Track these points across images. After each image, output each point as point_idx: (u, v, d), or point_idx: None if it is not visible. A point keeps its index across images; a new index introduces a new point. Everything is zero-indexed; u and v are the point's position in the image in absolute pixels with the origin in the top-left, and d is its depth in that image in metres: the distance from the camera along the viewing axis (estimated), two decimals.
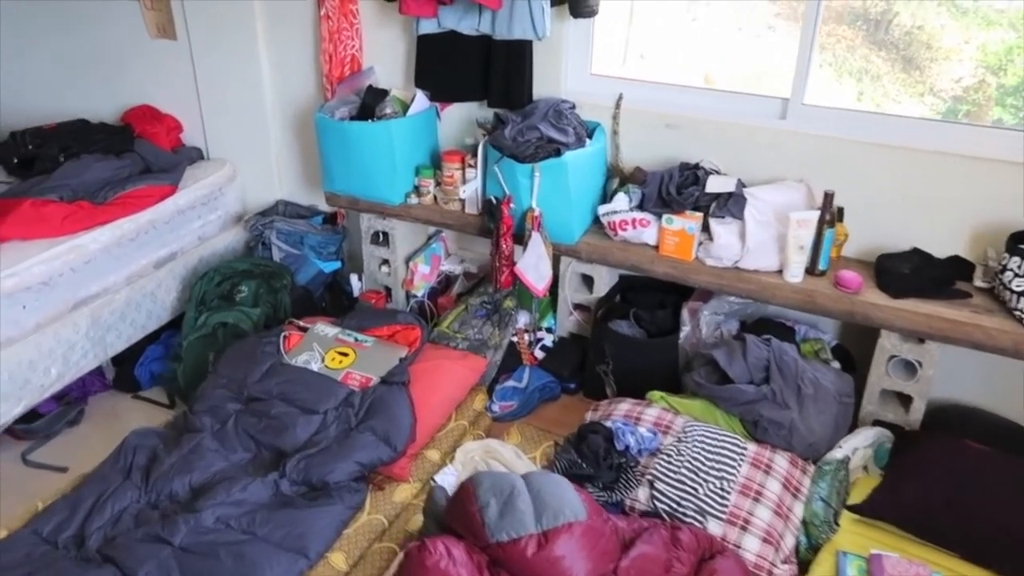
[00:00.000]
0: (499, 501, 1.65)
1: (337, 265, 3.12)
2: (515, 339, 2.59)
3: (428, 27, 2.55)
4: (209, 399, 2.25)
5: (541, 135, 2.36)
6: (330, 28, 2.77)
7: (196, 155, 3.28)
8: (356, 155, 2.64)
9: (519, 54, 2.53)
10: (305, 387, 2.22)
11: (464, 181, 2.62)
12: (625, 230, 2.40)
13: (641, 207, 2.39)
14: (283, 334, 2.43)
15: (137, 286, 2.83)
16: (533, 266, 2.41)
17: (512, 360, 2.57)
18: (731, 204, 2.30)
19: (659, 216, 2.37)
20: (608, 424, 2.10)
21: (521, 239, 2.45)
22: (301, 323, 2.53)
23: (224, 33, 3.01)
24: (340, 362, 2.33)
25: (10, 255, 2.45)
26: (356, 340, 2.40)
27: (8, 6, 3.36)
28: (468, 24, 2.53)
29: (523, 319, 2.63)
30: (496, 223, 2.43)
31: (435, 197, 2.71)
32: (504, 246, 2.45)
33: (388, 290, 3.00)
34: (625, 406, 2.21)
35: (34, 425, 2.66)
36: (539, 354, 2.65)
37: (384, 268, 2.97)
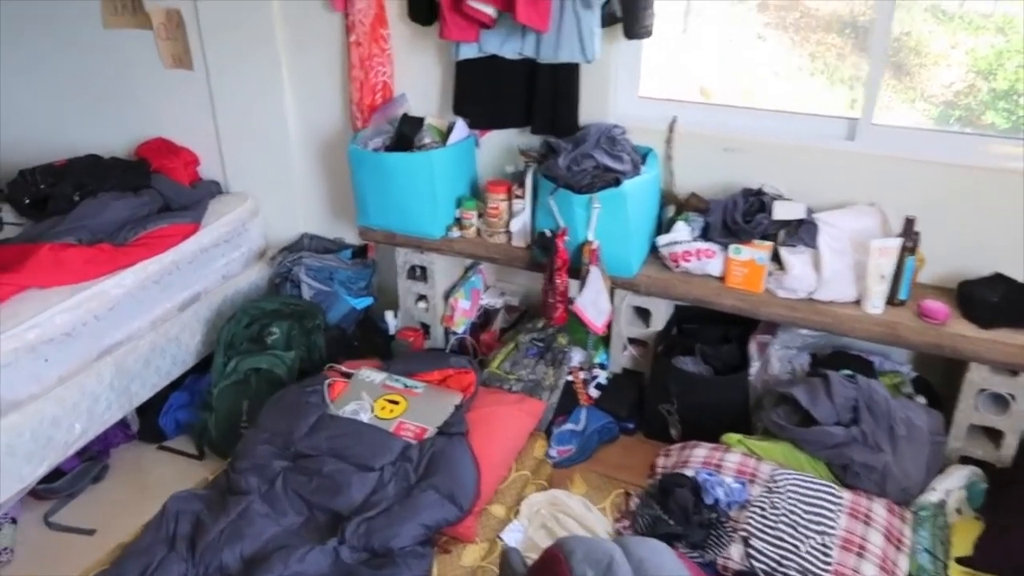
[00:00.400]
0: (597, 573, 1.50)
1: (369, 301, 2.97)
2: (570, 378, 2.44)
3: (468, 52, 2.42)
4: (252, 456, 2.10)
5: (597, 163, 2.23)
6: (360, 55, 2.63)
7: (215, 189, 3.13)
8: (394, 187, 2.50)
9: (567, 78, 2.40)
10: (357, 440, 2.06)
11: (511, 213, 2.48)
12: (688, 261, 2.27)
13: (704, 236, 2.26)
14: (327, 382, 2.27)
15: (162, 331, 2.67)
16: (592, 302, 2.27)
17: (567, 401, 2.43)
18: (803, 232, 2.17)
19: (723, 246, 2.24)
20: (689, 473, 1.96)
21: (576, 273, 2.31)
22: (344, 368, 2.38)
23: (243, 61, 2.87)
24: (391, 411, 2.18)
25: (30, 305, 2.29)
26: (405, 386, 2.25)
27: (9, 34, 3.21)
28: (511, 48, 2.40)
29: (577, 357, 2.48)
30: (550, 257, 2.29)
31: (478, 230, 2.57)
32: (559, 281, 2.31)
33: (426, 327, 2.85)
34: (702, 452, 2.06)
35: (56, 484, 2.48)
36: (594, 392, 2.50)
37: (421, 304, 2.82)
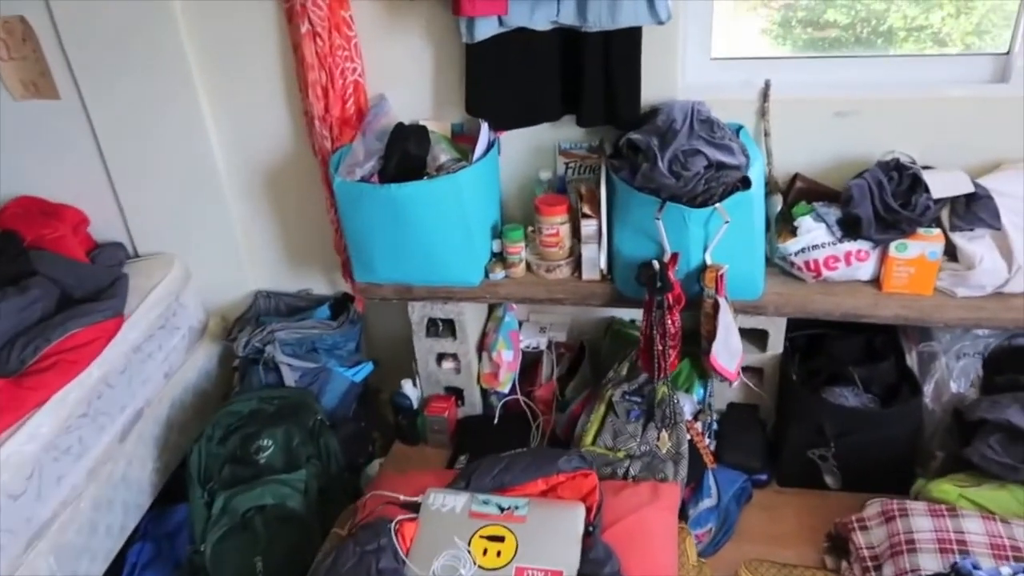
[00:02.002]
0: None
1: (369, 368, 2.27)
2: (690, 435, 1.88)
3: (487, 28, 1.74)
4: None
5: (709, 161, 1.64)
6: (320, 51, 1.88)
7: (123, 255, 2.30)
8: (413, 228, 1.81)
9: (626, 48, 1.77)
10: None
11: (576, 237, 1.86)
12: (835, 269, 1.74)
13: (848, 233, 1.73)
14: (393, 526, 1.60)
15: (103, 478, 1.89)
16: (723, 343, 1.71)
17: (690, 467, 1.87)
18: (978, 209, 1.68)
19: (874, 243, 1.73)
20: (934, 564, 1.46)
21: (693, 308, 1.74)
22: (395, 496, 1.70)
23: (134, 79, 2.04)
24: (498, 555, 1.54)
25: None
26: (502, 510, 1.61)
27: None
28: (544, 15, 1.74)
29: (688, 406, 1.92)
30: (660, 293, 1.69)
31: (528, 264, 1.94)
32: (670, 323, 1.72)
33: (458, 392, 2.20)
34: (924, 522, 1.57)
35: None
36: (708, 442, 1.96)
37: (447, 364, 2.17)
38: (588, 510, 1.61)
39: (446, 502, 1.65)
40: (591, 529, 1.57)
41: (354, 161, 1.86)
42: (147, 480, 2.06)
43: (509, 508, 1.62)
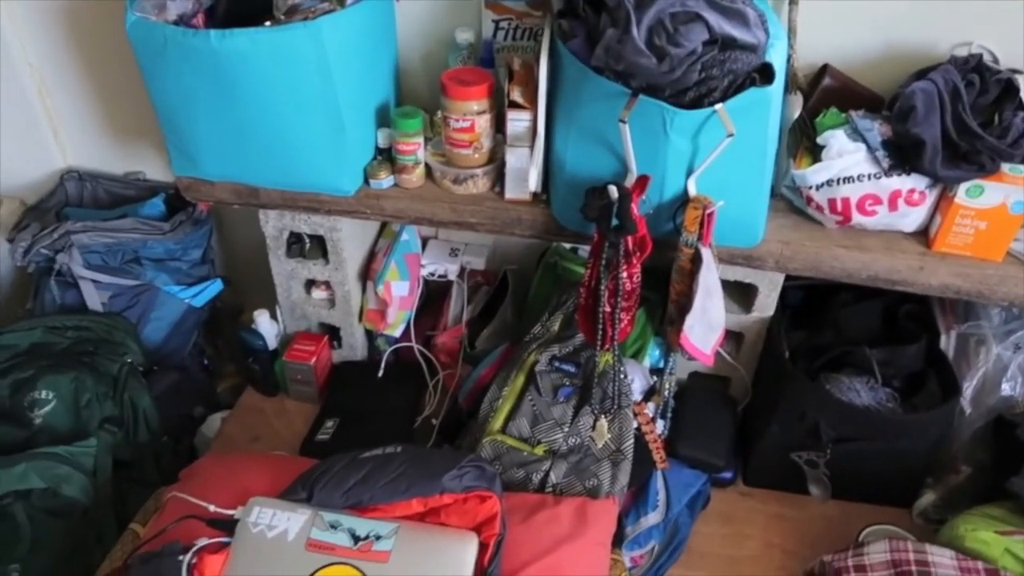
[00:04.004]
0: None
1: (217, 287, 1.68)
2: (637, 424, 1.36)
3: None
4: None
5: (711, 34, 1.03)
6: None
7: None
8: (247, 103, 1.18)
9: None
10: None
11: (499, 134, 1.26)
12: (872, 214, 1.19)
13: (902, 163, 1.17)
14: (186, 564, 1.05)
15: None
16: (700, 314, 1.16)
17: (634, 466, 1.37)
18: None
19: (934, 180, 1.17)
20: None
21: (661, 257, 1.18)
22: (207, 508, 1.15)
23: None
24: None
25: None
26: (356, 540, 1.09)
27: None
28: None
29: (638, 380, 1.39)
30: (616, 235, 1.12)
31: (428, 169, 1.33)
32: (627, 278, 1.16)
33: (333, 331, 1.63)
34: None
35: None
36: (659, 426, 1.45)
37: (319, 294, 1.59)
38: (483, 547, 1.10)
39: (275, 522, 1.12)
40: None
41: None
42: None
43: (367, 537, 1.10)
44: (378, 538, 1.10)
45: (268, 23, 1.16)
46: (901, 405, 1.31)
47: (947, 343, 1.34)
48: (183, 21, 1.20)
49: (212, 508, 1.14)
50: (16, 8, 1.52)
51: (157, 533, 1.12)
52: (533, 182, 1.22)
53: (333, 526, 1.11)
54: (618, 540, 1.30)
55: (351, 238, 1.49)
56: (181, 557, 1.06)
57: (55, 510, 1.30)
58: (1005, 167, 1.14)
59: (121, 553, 1.25)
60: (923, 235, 1.24)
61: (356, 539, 1.10)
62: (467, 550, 1.09)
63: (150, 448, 1.45)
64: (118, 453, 1.39)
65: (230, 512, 1.14)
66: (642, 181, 1.10)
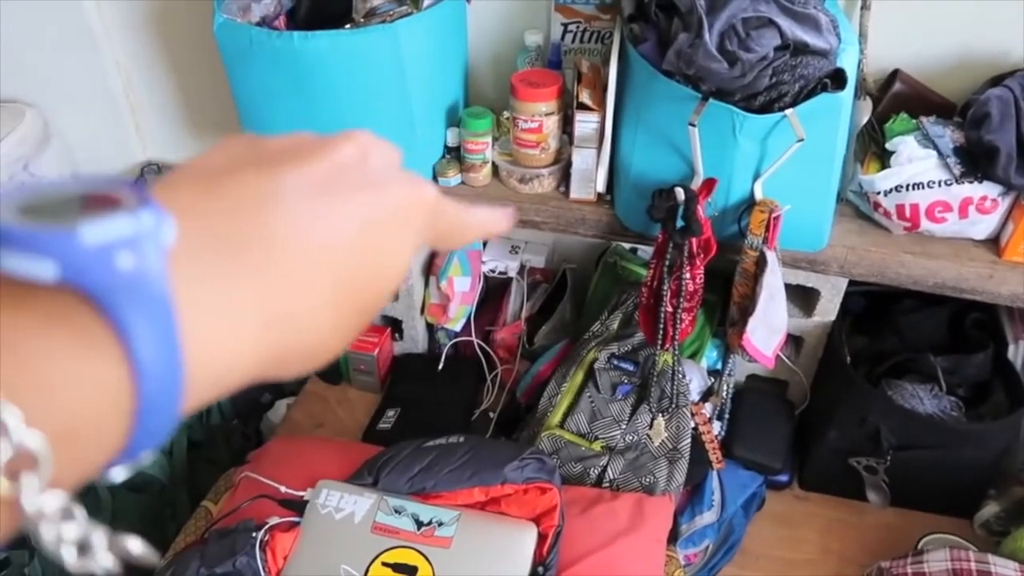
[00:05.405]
0: None
1: None
2: (694, 424, 1.38)
3: None
4: None
5: (783, 39, 1.04)
6: None
7: None
8: (325, 100, 1.23)
9: None
10: None
11: (567, 136, 1.28)
12: (941, 221, 1.18)
13: (975, 170, 1.16)
14: (259, 536, 1.11)
15: None
16: (763, 316, 1.17)
17: (691, 466, 1.38)
18: None
19: (1008, 188, 1.16)
20: None
21: (725, 260, 1.19)
22: (279, 489, 1.20)
23: None
24: None
25: None
26: (419, 525, 1.13)
27: None
28: None
29: (696, 381, 1.41)
30: (681, 236, 1.13)
31: (495, 168, 1.36)
32: (691, 279, 1.18)
33: (396, 324, 1.68)
34: None
35: None
36: (716, 426, 1.46)
37: None
38: (541, 538, 1.13)
39: (342, 505, 1.17)
40: (541, 571, 1.09)
41: (239, 1, 1.25)
42: None
43: (430, 523, 1.14)
44: (440, 524, 1.13)
45: (348, 26, 1.20)
46: (966, 414, 1.30)
47: (1015, 353, 1.33)
48: (266, 23, 1.25)
49: (283, 489, 1.19)
50: (106, 8, 1.60)
51: (232, 510, 1.18)
52: (601, 183, 1.24)
53: (397, 511, 1.15)
54: (672, 537, 1.31)
55: None
56: (255, 534, 1.11)
57: (134, 485, 1.37)
58: None
59: (195, 528, 1.31)
60: (993, 243, 1.23)
61: (419, 524, 1.14)
62: (526, 540, 1.12)
63: (221, 430, 1.52)
64: (192, 434, 1.46)
65: (300, 493, 1.19)
66: (709, 184, 1.11)
